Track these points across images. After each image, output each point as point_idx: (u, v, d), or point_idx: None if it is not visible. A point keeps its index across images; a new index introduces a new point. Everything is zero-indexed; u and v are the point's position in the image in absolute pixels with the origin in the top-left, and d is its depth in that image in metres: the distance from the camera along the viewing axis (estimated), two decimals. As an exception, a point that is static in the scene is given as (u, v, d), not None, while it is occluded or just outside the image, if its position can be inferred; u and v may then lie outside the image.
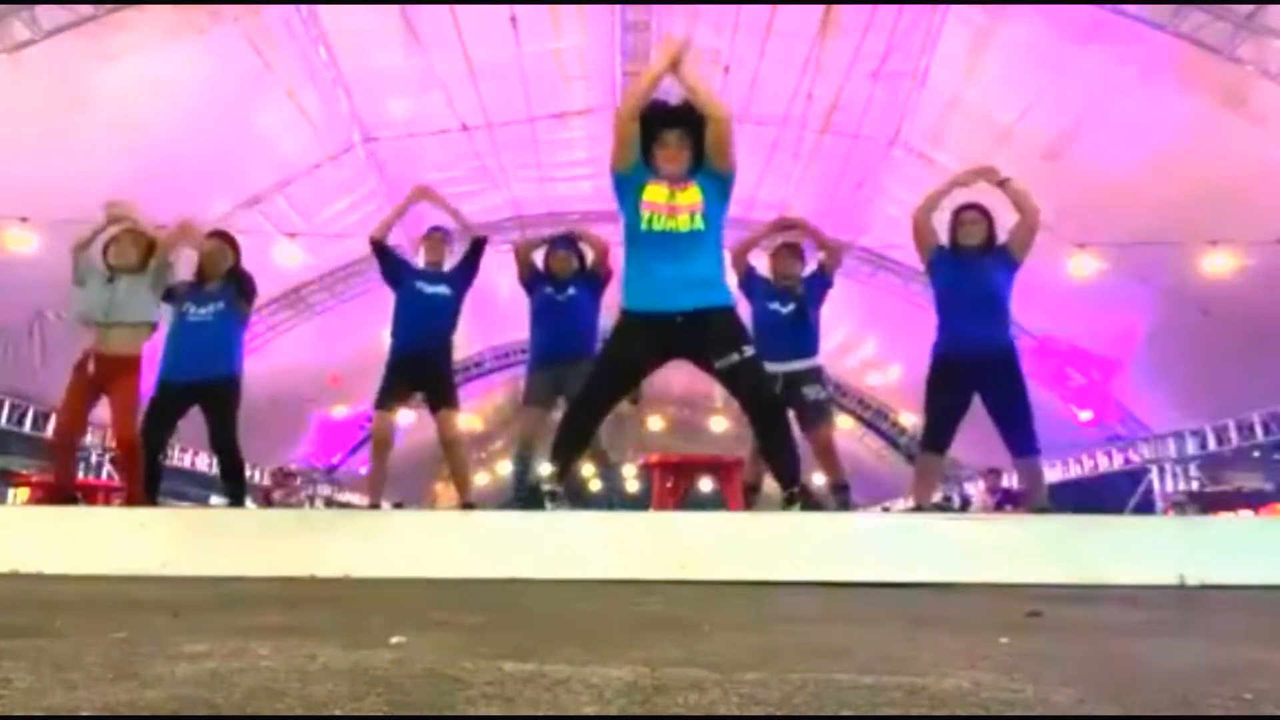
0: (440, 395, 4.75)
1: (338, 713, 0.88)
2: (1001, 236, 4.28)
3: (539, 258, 5.03)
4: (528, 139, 11.82)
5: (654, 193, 3.39)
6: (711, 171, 3.43)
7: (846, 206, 12.52)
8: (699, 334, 3.32)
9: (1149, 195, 9.06)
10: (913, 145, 11.12)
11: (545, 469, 3.70)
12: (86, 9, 7.78)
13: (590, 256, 5.03)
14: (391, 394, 4.71)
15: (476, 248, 4.85)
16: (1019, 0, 8.23)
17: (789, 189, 12.07)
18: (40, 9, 7.69)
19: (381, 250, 4.83)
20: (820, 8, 8.75)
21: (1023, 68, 9.23)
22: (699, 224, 3.35)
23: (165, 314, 4.57)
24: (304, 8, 8.93)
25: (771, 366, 4.63)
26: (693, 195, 3.38)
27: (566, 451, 3.45)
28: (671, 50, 3.48)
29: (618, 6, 9.67)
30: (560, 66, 10.58)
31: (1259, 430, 11.55)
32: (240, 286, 4.65)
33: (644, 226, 3.37)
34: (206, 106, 9.27)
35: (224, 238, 4.79)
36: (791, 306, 4.77)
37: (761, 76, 10.18)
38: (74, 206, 8.48)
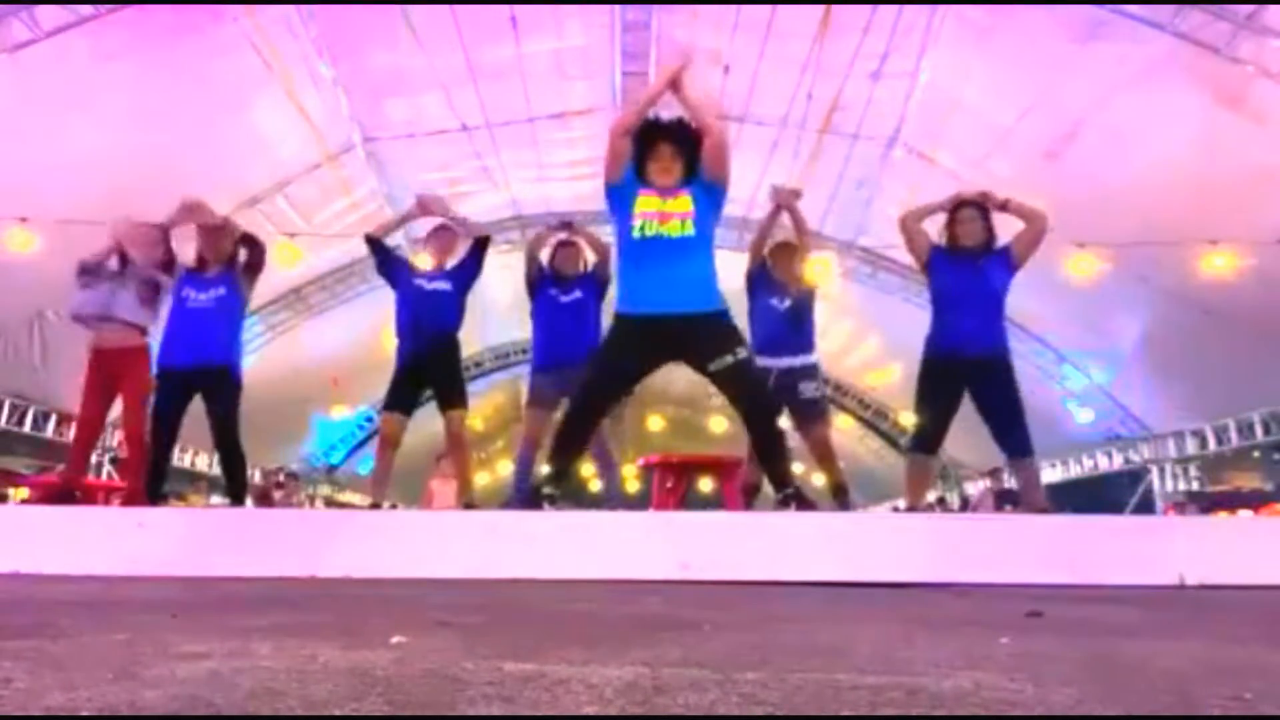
0: (449, 394, 4.74)
1: (338, 713, 0.88)
2: (1003, 238, 4.28)
3: (545, 256, 5.04)
4: (528, 139, 11.82)
5: (645, 202, 3.46)
6: (707, 183, 3.50)
7: (846, 206, 12.52)
8: (692, 338, 3.36)
9: (1149, 195, 9.06)
10: (913, 145, 11.13)
11: (545, 469, 3.71)
12: (86, 9, 7.78)
13: (592, 258, 5.03)
14: (400, 396, 4.71)
15: (480, 245, 4.84)
16: (1019, 0, 8.23)
17: (789, 189, 12.08)
18: (40, 9, 7.69)
19: (377, 245, 4.83)
20: (820, 7, 8.74)
21: (1023, 68, 9.23)
22: (689, 230, 3.41)
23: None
24: (304, 8, 8.93)
25: (766, 362, 4.64)
26: (684, 203, 3.45)
27: (563, 455, 3.48)
28: (670, 71, 3.62)
29: (618, 6, 9.67)
30: (560, 66, 10.58)
31: (1259, 430, 11.55)
32: (249, 258, 4.55)
33: (635, 234, 3.43)
34: (206, 106, 9.27)
35: (227, 223, 4.70)
36: (788, 303, 4.76)
37: (761, 76, 10.18)
38: (74, 206, 8.52)
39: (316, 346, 14.08)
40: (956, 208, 4.30)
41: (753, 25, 9.40)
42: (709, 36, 10.01)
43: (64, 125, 8.39)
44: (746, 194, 10.86)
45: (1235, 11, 7.58)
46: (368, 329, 11.34)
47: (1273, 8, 7.43)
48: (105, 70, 8.25)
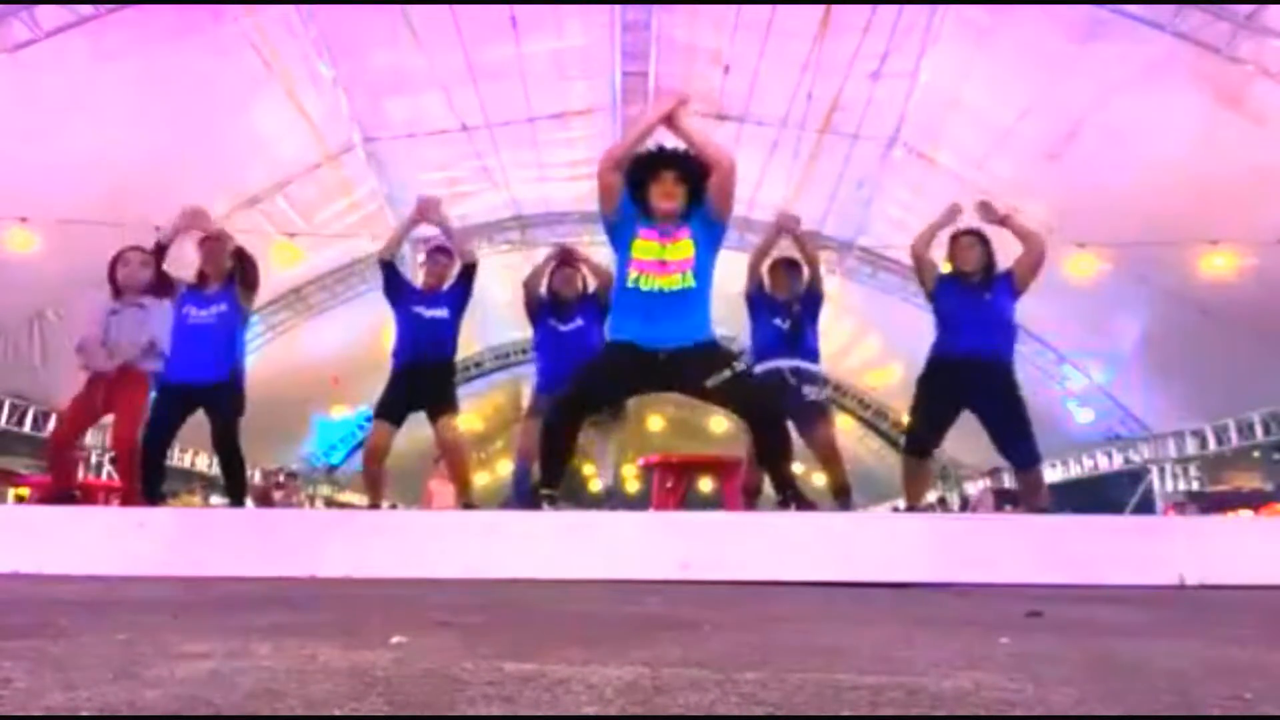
0: (439, 405, 4.78)
1: (338, 713, 0.88)
2: (1004, 263, 4.30)
3: (544, 285, 5.06)
4: (528, 139, 11.83)
5: (644, 248, 3.38)
6: (709, 219, 3.43)
7: (846, 206, 12.53)
8: (682, 367, 3.35)
9: (1149, 195, 9.06)
10: (913, 145, 11.13)
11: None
12: (86, 9, 7.78)
13: (592, 283, 5.06)
14: (391, 406, 4.74)
15: (468, 273, 4.88)
16: (1019, 0, 8.23)
17: (789, 189, 12.09)
18: (40, 9, 7.70)
19: (389, 270, 4.93)
20: (820, 7, 8.75)
21: (1023, 68, 9.23)
22: (690, 282, 3.35)
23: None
24: (304, 8, 8.93)
25: (777, 363, 4.65)
26: (685, 249, 3.37)
27: (554, 463, 3.47)
28: (663, 110, 3.52)
29: (618, 6, 9.67)
30: (560, 66, 10.59)
31: (1259, 430, 11.55)
32: (244, 275, 4.59)
33: (630, 284, 3.37)
34: (207, 106, 9.27)
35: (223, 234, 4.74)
36: (789, 323, 4.76)
37: (761, 76, 10.18)
38: (74, 206, 8.53)
39: (316, 346, 14.09)
40: (956, 236, 4.33)
41: (753, 25, 9.41)
42: (709, 36, 10.02)
43: (64, 125, 8.40)
44: (747, 194, 10.87)
45: (1235, 11, 7.58)
46: (367, 329, 11.35)
47: (1273, 8, 7.43)
48: (105, 70, 8.25)
